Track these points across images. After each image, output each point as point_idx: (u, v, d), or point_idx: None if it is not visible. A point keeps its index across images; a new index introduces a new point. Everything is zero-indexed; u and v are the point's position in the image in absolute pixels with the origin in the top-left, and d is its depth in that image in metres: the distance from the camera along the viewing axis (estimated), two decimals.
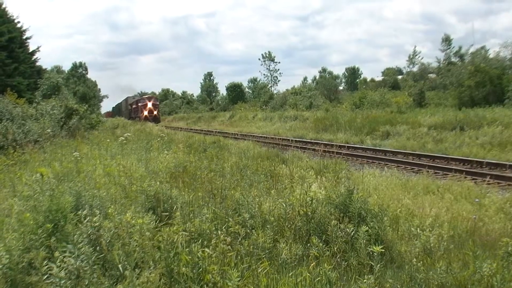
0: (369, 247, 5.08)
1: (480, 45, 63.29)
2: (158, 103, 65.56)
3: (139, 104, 61.19)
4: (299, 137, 29.34)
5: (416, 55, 76.04)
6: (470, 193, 10.26)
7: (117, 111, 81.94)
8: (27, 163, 11.64)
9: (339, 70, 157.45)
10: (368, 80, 79.45)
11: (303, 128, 33.94)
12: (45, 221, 5.07)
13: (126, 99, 72.74)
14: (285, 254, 5.25)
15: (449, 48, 66.06)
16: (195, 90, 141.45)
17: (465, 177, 13.26)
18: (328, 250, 5.45)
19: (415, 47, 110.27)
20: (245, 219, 6.01)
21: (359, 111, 37.25)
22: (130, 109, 67.86)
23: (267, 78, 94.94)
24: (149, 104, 59.96)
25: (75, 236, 4.64)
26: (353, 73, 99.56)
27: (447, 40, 66.97)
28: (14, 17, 37.73)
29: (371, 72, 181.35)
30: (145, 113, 58.77)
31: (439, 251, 5.52)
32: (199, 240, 5.13)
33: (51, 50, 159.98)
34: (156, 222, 5.49)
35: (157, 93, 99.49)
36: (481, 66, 35.43)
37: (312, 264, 5.05)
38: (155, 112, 60.15)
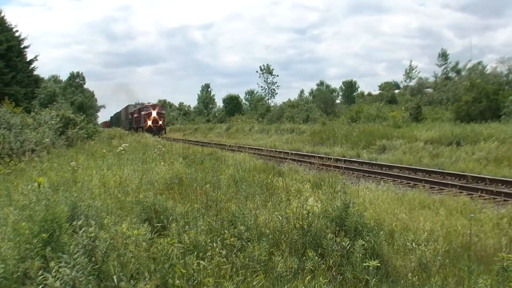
0: (365, 261, 5.08)
1: (477, 61, 63.78)
2: (163, 111, 59.09)
3: (142, 112, 54.95)
4: (296, 150, 29.31)
5: (412, 70, 76.60)
6: (465, 208, 10.27)
7: (115, 120, 78.53)
8: (23, 172, 11.62)
9: (336, 84, 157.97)
10: (365, 94, 79.96)
11: (299, 141, 33.94)
12: (41, 231, 5.05)
13: (126, 108, 66.88)
14: (280, 267, 5.24)
15: (445, 63, 66.65)
16: (192, 101, 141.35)
17: (461, 192, 13.30)
18: (323, 264, 5.45)
19: (411, 61, 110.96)
20: (241, 231, 6.01)
21: (356, 124, 37.32)
22: (130, 118, 62.45)
23: (265, 91, 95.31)
24: (154, 113, 53.54)
25: (71, 246, 4.63)
26: (350, 87, 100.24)
27: (443, 55, 67.61)
28: (13, 26, 37.90)
29: (368, 86, 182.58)
30: (149, 122, 52.70)
31: (434, 266, 5.53)
32: (194, 252, 5.13)
33: (48, 59, 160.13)
34: (151, 233, 5.49)
35: None
36: (478, 82, 35.61)
37: (307, 278, 5.05)
38: (160, 122, 53.95)
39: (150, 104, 58.43)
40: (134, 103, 65.13)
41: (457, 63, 62.07)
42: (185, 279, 4.54)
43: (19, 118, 21.26)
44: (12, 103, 25.89)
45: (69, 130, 23.73)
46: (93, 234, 4.82)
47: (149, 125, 52.41)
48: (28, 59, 39.83)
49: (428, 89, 58.65)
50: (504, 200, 12.38)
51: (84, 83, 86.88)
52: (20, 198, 7.00)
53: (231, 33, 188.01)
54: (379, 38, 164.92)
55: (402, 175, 17.64)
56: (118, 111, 77.19)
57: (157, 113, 54.05)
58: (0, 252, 4.66)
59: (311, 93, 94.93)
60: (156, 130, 51.54)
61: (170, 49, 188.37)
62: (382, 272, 5.51)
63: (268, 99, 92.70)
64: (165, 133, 54.33)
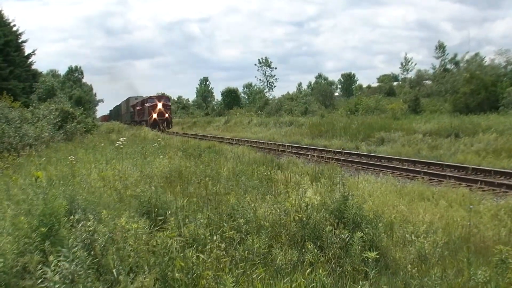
0: (364, 253, 5.08)
1: (474, 52, 63.57)
2: (169, 103, 54.16)
3: (146, 105, 50.05)
4: (295, 142, 29.32)
5: (409, 62, 76.54)
6: (464, 200, 10.28)
7: (115, 114, 75.50)
8: (21, 166, 11.60)
9: (334, 77, 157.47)
10: (363, 86, 79.87)
11: (298, 133, 33.92)
12: (40, 225, 5.04)
13: (127, 100, 62.55)
14: (280, 259, 5.24)
15: (443, 55, 66.43)
16: (190, 95, 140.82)
17: (460, 184, 13.31)
18: (323, 256, 5.44)
19: (406, 54, 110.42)
20: (240, 224, 6.00)
21: (354, 117, 37.30)
22: (132, 111, 58.35)
23: (263, 84, 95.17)
24: (159, 105, 48.51)
25: (70, 240, 4.62)
26: (348, 79, 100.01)
27: (441, 47, 67.35)
28: (10, 21, 37.76)
29: (367, 78, 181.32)
30: (154, 115, 47.86)
31: (433, 258, 5.53)
32: (193, 245, 5.12)
33: (46, 54, 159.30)
34: (151, 227, 5.48)
35: None
36: (476, 73, 35.59)
37: (307, 270, 5.05)
38: (166, 115, 49.05)
39: (155, 95, 54.30)
40: (135, 95, 61.31)
41: (455, 55, 61.86)
42: (185, 272, 4.53)
43: (17, 112, 21.23)
44: (10, 97, 25.83)
45: (67, 124, 23.73)
46: (91, 228, 4.81)
47: (154, 118, 47.94)
48: (26, 54, 39.68)
49: (427, 81, 58.51)
50: (503, 192, 12.39)
51: (83, 77, 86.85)
52: (19, 192, 6.99)
53: (228, 26, 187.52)
54: (377, 31, 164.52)
55: (401, 167, 17.64)
56: (118, 104, 74.01)
57: (163, 105, 49.42)
58: None
59: (310, 86, 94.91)
60: (162, 123, 47.57)
61: (167, 43, 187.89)
62: (381, 264, 5.51)
63: (266, 92, 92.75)
64: (172, 126, 50.30)
